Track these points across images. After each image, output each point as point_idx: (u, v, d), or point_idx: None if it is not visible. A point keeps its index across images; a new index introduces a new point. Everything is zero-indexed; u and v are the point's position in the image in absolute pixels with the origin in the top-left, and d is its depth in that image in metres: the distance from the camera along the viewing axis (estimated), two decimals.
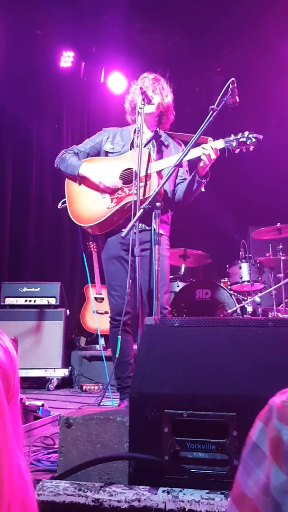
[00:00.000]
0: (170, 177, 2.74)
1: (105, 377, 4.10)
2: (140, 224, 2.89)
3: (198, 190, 2.96)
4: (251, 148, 2.77)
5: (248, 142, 2.74)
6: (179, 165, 2.74)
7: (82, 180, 3.08)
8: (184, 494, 1.47)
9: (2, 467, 0.71)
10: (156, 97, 3.04)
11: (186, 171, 3.14)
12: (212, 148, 2.75)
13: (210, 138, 2.80)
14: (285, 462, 0.63)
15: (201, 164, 2.82)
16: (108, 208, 2.96)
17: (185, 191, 3.00)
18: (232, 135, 2.78)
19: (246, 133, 2.75)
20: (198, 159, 2.83)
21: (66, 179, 3.17)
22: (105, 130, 3.24)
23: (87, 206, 3.04)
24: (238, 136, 2.75)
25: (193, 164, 2.92)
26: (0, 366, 0.76)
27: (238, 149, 2.78)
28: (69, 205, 3.11)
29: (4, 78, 5.96)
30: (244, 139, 2.74)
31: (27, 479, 0.78)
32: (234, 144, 2.76)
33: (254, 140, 2.74)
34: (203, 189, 2.97)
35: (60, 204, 3.18)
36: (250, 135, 2.74)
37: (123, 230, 2.58)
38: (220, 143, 2.78)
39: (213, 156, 2.77)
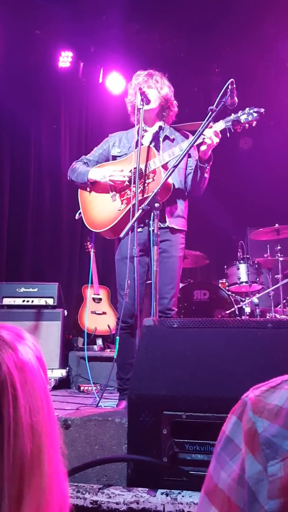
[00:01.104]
0: (179, 169, 2.71)
1: (103, 378, 4.09)
2: (142, 226, 2.89)
3: (203, 177, 2.93)
4: (254, 123, 2.72)
5: (250, 118, 2.70)
6: (187, 155, 2.70)
7: (92, 186, 3.10)
8: (183, 496, 1.46)
9: (52, 474, 0.71)
10: (152, 92, 3.01)
11: (196, 160, 3.13)
12: (213, 132, 2.72)
13: (211, 123, 2.77)
14: (260, 453, 0.65)
15: (202, 148, 2.79)
16: (120, 210, 2.96)
17: (192, 180, 2.99)
18: (232, 114, 2.74)
19: (247, 109, 2.72)
20: (200, 144, 2.80)
21: (79, 190, 3.19)
22: (111, 136, 3.25)
23: (100, 211, 3.06)
24: (239, 114, 2.72)
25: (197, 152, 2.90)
26: (41, 358, 0.76)
27: (241, 127, 2.74)
28: (84, 214, 3.14)
29: (2, 78, 5.94)
30: (245, 116, 2.70)
31: (66, 486, 0.78)
32: (235, 122, 2.72)
33: (256, 114, 2.70)
34: (206, 175, 2.94)
35: (77, 215, 3.22)
36: (251, 110, 2.71)
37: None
38: (220, 124, 2.75)
39: (215, 140, 2.74)
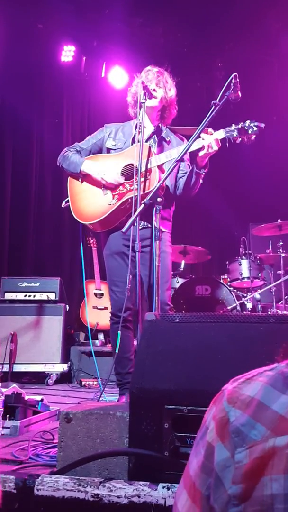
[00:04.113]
0: (172, 172, 2.72)
1: (104, 372, 4.10)
2: (141, 222, 2.88)
3: (197, 182, 2.92)
4: (253, 137, 2.72)
5: (249, 132, 2.70)
6: (180, 159, 2.71)
7: (84, 177, 3.07)
8: None
9: None
10: (159, 91, 3.01)
11: (188, 164, 3.11)
12: (213, 139, 2.72)
13: (210, 130, 2.76)
14: (230, 440, 0.69)
15: (201, 154, 2.79)
16: (110, 204, 2.94)
17: (185, 184, 2.97)
18: (233, 124, 2.73)
19: (248, 122, 2.71)
20: (198, 150, 2.80)
21: (69, 177, 3.16)
22: (107, 126, 3.22)
23: (89, 203, 3.03)
24: (239, 126, 2.71)
25: (194, 156, 2.90)
26: None
27: (240, 139, 2.74)
28: (71, 204, 3.10)
29: (5, 72, 5.93)
30: (245, 128, 2.70)
31: None
32: (235, 133, 2.72)
33: (255, 129, 2.70)
34: (201, 181, 2.94)
35: (63, 203, 3.17)
36: (252, 124, 2.69)
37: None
38: (220, 134, 2.75)
39: (215, 147, 2.74)
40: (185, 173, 3.05)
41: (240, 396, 0.72)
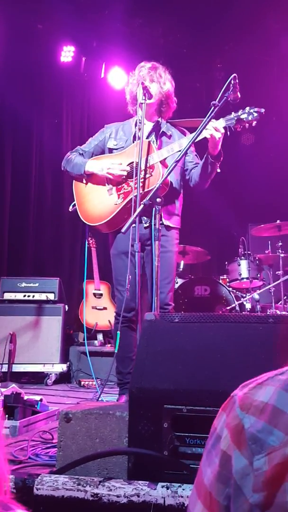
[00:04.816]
0: (176, 167, 2.71)
1: (104, 373, 4.10)
2: (147, 220, 2.89)
3: (213, 172, 2.92)
4: (254, 123, 2.71)
5: (250, 118, 2.70)
6: (185, 154, 2.70)
7: (89, 178, 3.07)
8: (183, 489, 1.47)
9: None
10: (153, 86, 2.99)
11: (196, 155, 3.10)
12: (214, 128, 2.71)
13: (213, 120, 2.76)
14: (247, 448, 0.68)
15: (209, 144, 2.79)
16: (116, 204, 2.95)
17: (201, 174, 2.96)
18: (233, 112, 2.73)
19: (247, 108, 2.71)
20: (206, 140, 2.79)
21: (74, 181, 3.16)
22: (107, 127, 3.22)
23: (96, 205, 3.04)
24: (239, 113, 2.71)
25: (200, 149, 2.88)
26: None
27: (241, 126, 2.73)
28: (78, 207, 3.11)
29: (4, 72, 5.93)
30: (245, 115, 2.69)
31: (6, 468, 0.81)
32: (235, 121, 2.72)
33: (256, 114, 2.69)
34: (218, 170, 2.93)
35: (70, 207, 3.18)
36: (251, 110, 2.69)
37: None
38: (221, 123, 2.74)
39: (218, 135, 2.73)
40: (195, 164, 3.04)
41: (253, 402, 0.71)
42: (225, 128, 2.75)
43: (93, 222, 3.02)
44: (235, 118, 2.71)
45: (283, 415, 0.67)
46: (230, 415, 0.72)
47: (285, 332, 1.70)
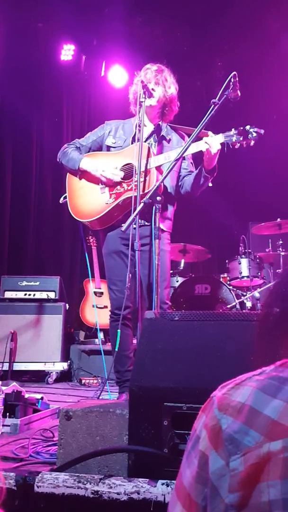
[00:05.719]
0: (172, 172, 2.71)
1: (103, 370, 4.11)
2: (140, 220, 2.88)
3: (205, 185, 2.93)
4: (252, 143, 2.71)
5: (249, 137, 2.69)
6: (181, 158, 2.70)
7: (83, 174, 3.07)
8: None
9: None
10: (158, 89, 2.99)
11: (191, 163, 3.11)
12: (213, 142, 2.72)
13: (210, 132, 2.77)
14: (224, 449, 0.68)
15: (204, 157, 2.80)
16: (107, 203, 2.95)
17: (193, 184, 2.97)
18: (233, 129, 2.72)
19: (247, 127, 2.69)
20: (202, 153, 2.80)
21: (68, 174, 3.16)
22: (107, 123, 3.21)
23: (87, 201, 3.04)
24: (239, 130, 2.71)
25: (197, 156, 2.89)
26: None
27: (238, 144, 2.74)
28: (69, 200, 3.10)
29: (4, 71, 5.93)
30: (245, 133, 2.69)
31: None
32: (234, 139, 2.71)
33: (255, 134, 2.69)
34: (210, 184, 2.94)
35: (61, 199, 3.18)
36: (251, 129, 2.68)
37: (122, 225, 2.57)
38: (219, 138, 2.74)
39: (214, 150, 2.74)
40: (189, 171, 3.04)
41: (231, 402, 0.72)
42: (222, 144, 2.74)
43: (82, 218, 3.03)
44: (235, 135, 2.70)
45: (258, 415, 0.68)
46: (209, 415, 0.73)
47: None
